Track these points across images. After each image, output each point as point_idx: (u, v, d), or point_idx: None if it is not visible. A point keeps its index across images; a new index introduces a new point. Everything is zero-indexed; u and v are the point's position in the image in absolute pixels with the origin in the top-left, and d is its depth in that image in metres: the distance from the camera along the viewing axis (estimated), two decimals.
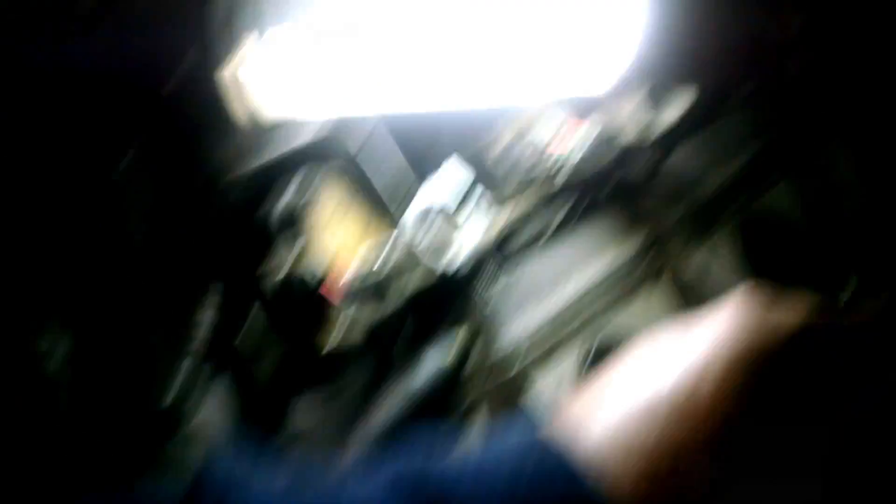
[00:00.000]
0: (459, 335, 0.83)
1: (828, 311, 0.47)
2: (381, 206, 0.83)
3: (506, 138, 0.90)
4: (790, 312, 0.46)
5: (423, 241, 0.74)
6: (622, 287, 0.93)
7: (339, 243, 0.82)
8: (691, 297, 0.95)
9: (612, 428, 0.45)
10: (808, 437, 0.45)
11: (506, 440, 0.47)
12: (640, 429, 0.44)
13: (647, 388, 0.45)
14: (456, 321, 0.84)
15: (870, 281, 0.98)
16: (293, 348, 0.78)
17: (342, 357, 0.78)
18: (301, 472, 0.50)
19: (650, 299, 0.94)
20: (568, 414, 0.48)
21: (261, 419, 0.80)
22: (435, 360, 0.80)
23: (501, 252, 0.85)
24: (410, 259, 0.79)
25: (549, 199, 0.90)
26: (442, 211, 0.80)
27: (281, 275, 0.75)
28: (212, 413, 0.79)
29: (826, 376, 0.45)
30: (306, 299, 0.74)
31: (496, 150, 0.90)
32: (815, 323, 0.46)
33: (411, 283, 0.79)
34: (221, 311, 0.80)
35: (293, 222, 0.81)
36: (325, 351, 0.77)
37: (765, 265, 0.96)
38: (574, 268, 0.92)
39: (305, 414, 0.78)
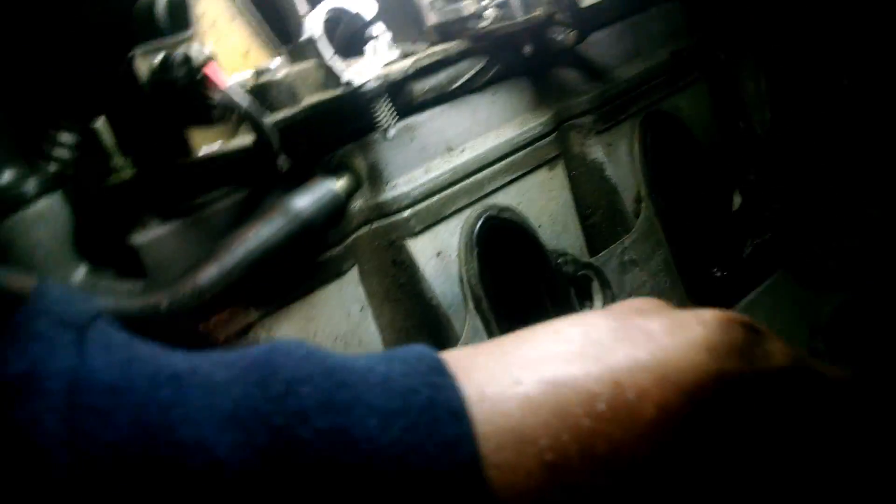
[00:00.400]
0: (351, 166, 0.76)
1: (808, 365, 0.42)
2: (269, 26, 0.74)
3: None
4: (775, 351, 0.41)
5: (323, 55, 0.66)
6: (521, 161, 0.89)
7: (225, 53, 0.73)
8: (586, 183, 0.93)
9: (527, 396, 0.37)
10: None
11: (395, 355, 0.39)
12: (563, 410, 0.37)
13: (585, 364, 0.38)
14: (347, 155, 0.77)
15: (762, 193, 1.01)
16: (161, 147, 0.67)
17: (218, 165, 0.68)
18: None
19: (546, 179, 0.91)
20: (478, 358, 0.40)
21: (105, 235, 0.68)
22: (325, 184, 0.72)
23: (401, 95, 0.78)
24: (305, 73, 0.70)
25: (461, 53, 0.84)
26: (343, 29, 0.72)
27: (160, 56, 0.65)
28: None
29: (794, 434, 0.40)
30: (186, 86, 0.63)
31: None
32: (798, 370, 0.41)
33: (306, 94, 0.71)
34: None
35: (180, 11, 0.70)
36: (200, 154, 0.68)
37: (661, 163, 0.95)
38: (475, 131, 0.87)
39: (161, 233, 0.68)
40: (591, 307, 0.92)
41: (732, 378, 0.38)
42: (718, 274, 1.00)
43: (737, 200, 1.04)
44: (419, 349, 0.40)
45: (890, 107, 1.10)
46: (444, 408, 0.36)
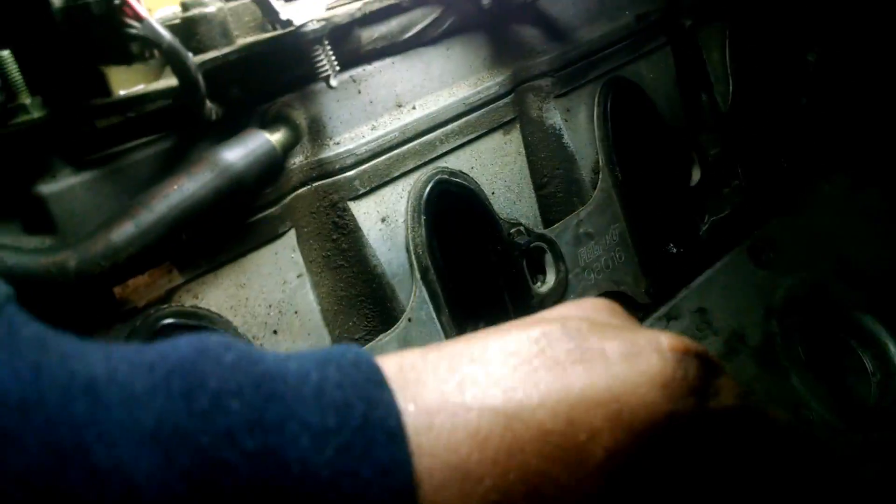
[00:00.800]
0: (290, 118, 0.69)
1: (754, 405, 0.41)
2: None
3: None
4: (725, 389, 0.39)
5: None
6: (475, 123, 0.83)
7: None
8: (542, 149, 0.88)
9: (478, 429, 0.35)
10: None
11: (330, 358, 0.35)
12: (513, 446, 0.34)
13: (539, 391, 0.36)
14: (286, 105, 0.70)
15: (722, 169, 0.98)
16: (75, 86, 0.60)
17: (139, 108, 0.61)
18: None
19: (501, 143, 0.86)
20: (424, 373, 0.37)
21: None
22: (259, 137, 0.65)
23: (347, 42, 0.72)
24: (240, 9, 0.63)
25: (414, 0, 0.77)
26: None
27: None
28: None
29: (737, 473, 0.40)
30: (102, 15, 0.56)
31: None
32: (745, 410, 0.40)
33: (241, 34, 0.63)
34: None
35: None
36: (120, 95, 0.60)
37: (620, 132, 0.91)
38: (427, 88, 0.81)
39: (72, 182, 0.60)
40: (543, 281, 0.87)
41: (682, 418, 0.37)
42: (674, 250, 0.96)
43: (696, 175, 1.00)
44: (354, 352, 0.36)
45: (854, 85, 1.08)
46: (381, 427, 0.33)
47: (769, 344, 0.94)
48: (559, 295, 0.86)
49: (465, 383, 0.36)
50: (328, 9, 0.67)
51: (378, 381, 0.35)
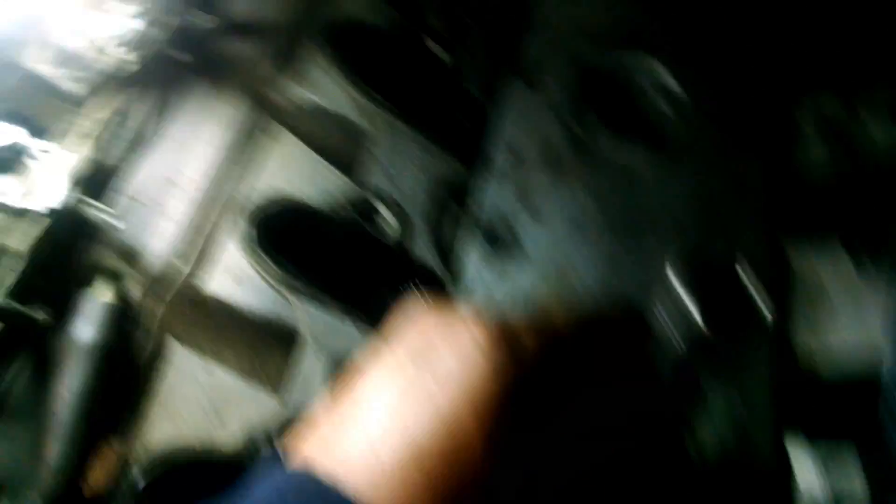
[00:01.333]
0: (104, 267, 0.75)
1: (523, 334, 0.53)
2: None
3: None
4: (528, 342, 0.52)
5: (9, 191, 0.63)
6: (244, 150, 0.89)
7: None
8: (308, 124, 0.94)
9: (414, 485, 0.47)
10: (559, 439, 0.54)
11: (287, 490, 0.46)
12: (407, 483, 0.47)
13: (403, 435, 0.48)
14: (93, 260, 0.75)
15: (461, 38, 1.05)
16: None
17: None
18: None
19: (276, 149, 0.92)
20: (356, 461, 0.48)
21: None
22: (95, 303, 0.71)
23: (105, 173, 0.76)
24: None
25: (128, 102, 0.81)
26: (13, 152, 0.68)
27: None
28: None
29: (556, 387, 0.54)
30: None
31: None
32: (539, 345, 0.53)
33: (16, 242, 0.68)
34: None
35: None
36: None
37: (364, 70, 0.98)
38: (188, 154, 0.87)
39: None
40: (389, 226, 0.95)
41: (516, 381, 0.51)
42: (466, 124, 1.06)
43: (445, 57, 1.08)
44: (302, 479, 0.48)
45: None
46: None
47: (575, 140, 1.04)
48: (406, 225, 0.95)
49: (392, 465, 0.48)
50: (71, 152, 0.70)
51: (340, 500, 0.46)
